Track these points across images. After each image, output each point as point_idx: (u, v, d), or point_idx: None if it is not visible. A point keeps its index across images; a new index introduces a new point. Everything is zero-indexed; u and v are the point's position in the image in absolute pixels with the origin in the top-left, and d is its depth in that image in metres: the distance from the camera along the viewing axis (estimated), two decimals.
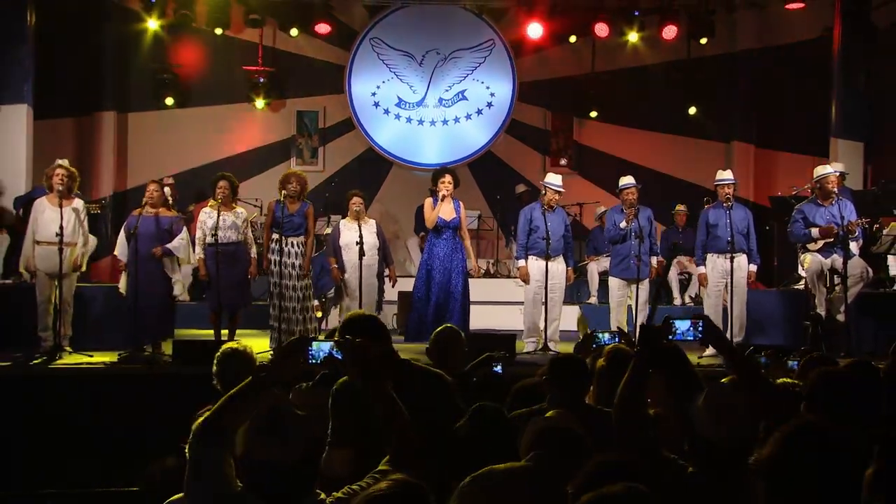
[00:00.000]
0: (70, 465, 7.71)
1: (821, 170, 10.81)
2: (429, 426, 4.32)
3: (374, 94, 17.15)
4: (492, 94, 17.28)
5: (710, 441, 3.57)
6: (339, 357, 3.37)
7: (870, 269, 10.87)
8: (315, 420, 2.90)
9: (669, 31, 15.91)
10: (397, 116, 17.21)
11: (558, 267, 10.79)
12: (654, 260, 11.22)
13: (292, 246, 10.48)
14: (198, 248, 10.30)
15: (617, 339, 5.59)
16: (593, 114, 16.86)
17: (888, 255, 11.64)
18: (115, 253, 10.49)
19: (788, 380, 4.76)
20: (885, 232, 11.19)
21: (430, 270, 10.68)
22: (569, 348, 8.04)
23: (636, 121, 17.06)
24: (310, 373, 4.48)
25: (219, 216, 10.19)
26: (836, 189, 10.61)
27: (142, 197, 10.30)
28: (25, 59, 13.29)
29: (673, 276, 14.32)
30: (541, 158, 17.16)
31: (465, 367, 6.10)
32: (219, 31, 15.84)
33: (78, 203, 10.09)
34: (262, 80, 16.34)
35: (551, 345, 10.50)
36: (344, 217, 11.26)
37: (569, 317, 12.15)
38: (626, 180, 11.18)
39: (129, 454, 6.86)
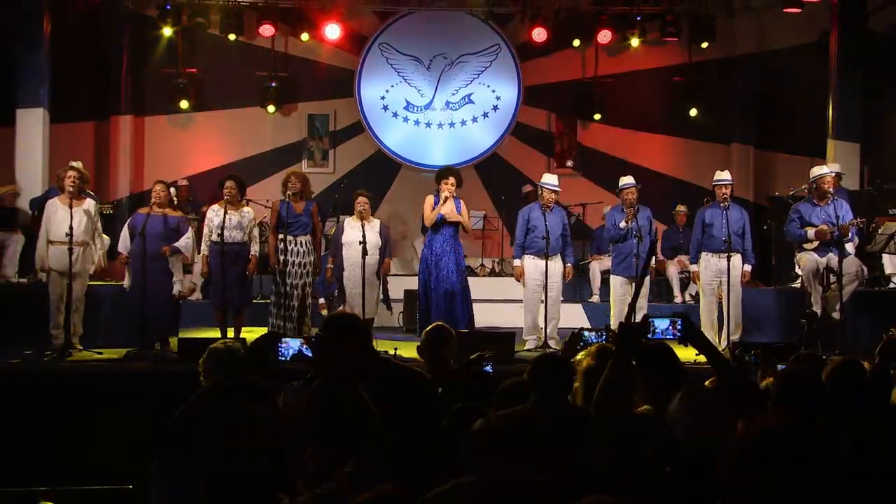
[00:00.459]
0: (74, 461, 7.60)
1: (817, 170, 10.71)
2: (408, 425, 4.21)
3: (383, 97, 17.06)
4: (498, 98, 17.17)
5: (687, 442, 3.43)
6: (309, 355, 3.23)
7: (865, 268, 10.77)
8: (277, 425, 2.72)
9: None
10: (405, 119, 17.11)
11: (557, 266, 10.70)
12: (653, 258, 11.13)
13: (299, 245, 10.35)
14: (202, 246, 10.22)
15: (604, 338, 5.42)
16: (597, 116, 16.73)
17: (883, 254, 11.48)
18: (119, 250, 10.41)
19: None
20: (879, 231, 11.03)
21: (430, 267, 10.56)
22: None
23: (638, 123, 16.94)
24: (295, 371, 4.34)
25: (225, 215, 10.10)
26: (831, 189, 10.54)
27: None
28: (41, 64, 13.27)
29: (673, 275, 14.23)
30: (545, 160, 17.04)
31: (456, 365, 5.95)
32: (232, 36, 15.75)
33: (89, 204, 10.05)
34: (274, 84, 16.26)
35: (551, 343, 10.39)
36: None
37: (569, 315, 12.05)
38: (626, 180, 11.08)
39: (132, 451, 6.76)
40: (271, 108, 16.33)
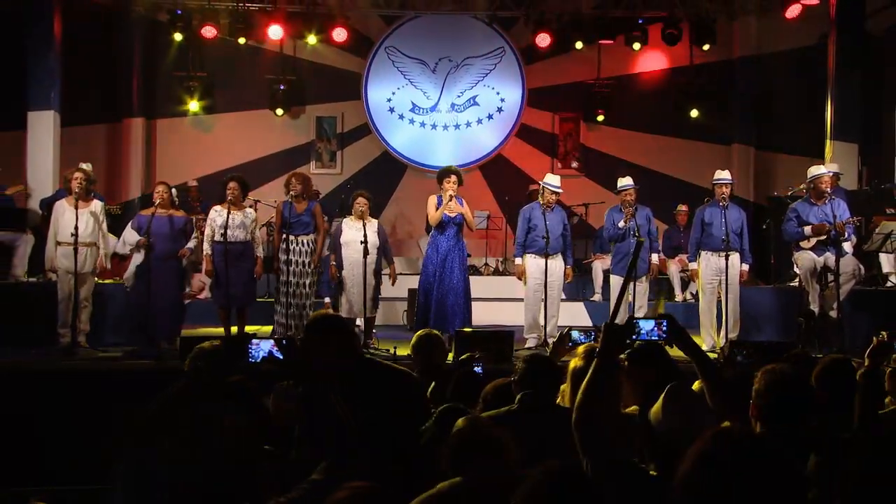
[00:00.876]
0: (75, 460, 7.48)
1: (815, 170, 10.56)
2: (395, 424, 4.08)
3: (389, 99, 17.00)
4: (502, 100, 17.09)
5: (669, 444, 3.28)
6: (280, 357, 3.07)
7: (862, 267, 10.62)
8: (244, 430, 2.54)
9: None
10: (411, 121, 17.05)
11: (557, 265, 10.56)
12: (654, 257, 11.09)
13: (302, 245, 10.27)
14: (206, 245, 10.13)
15: (592, 338, 5.25)
16: (600, 118, 16.64)
17: (880, 253, 11.32)
18: (117, 250, 10.32)
19: None
20: (876, 230, 10.87)
21: (433, 266, 10.43)
22: None
23: (640, 124, 16.83)
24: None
25: (228, 215, 10.03)
26: (829, 189, 10.42)
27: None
28: (51, 67, 13.21)
29: (674, 274, 14.14)
30: (549, 161, 16.93)
31: (446, 366, 5.85)
32: (242, 40, 15.67)
33: (96, 205, 9.96)
34: (282, 87, 16.22)
35: (550, 341, 10.19)
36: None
37: (572, 314, 11.88)
38: (625, 181, 10.98)
39: None
40: (280, 111, 16.31)
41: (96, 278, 10.36)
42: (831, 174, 10.90)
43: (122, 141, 16.11)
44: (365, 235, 9.93)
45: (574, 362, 4.60)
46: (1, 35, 13.55)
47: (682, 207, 14.66)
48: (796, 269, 10.90)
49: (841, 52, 13.68)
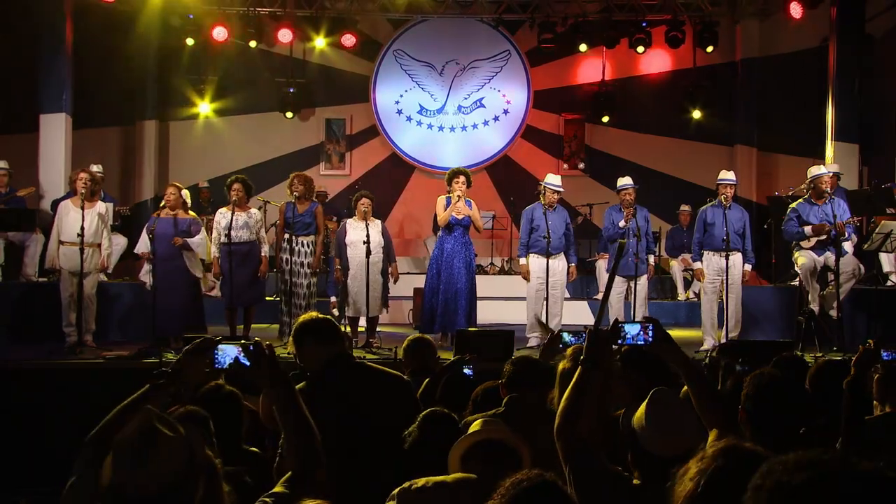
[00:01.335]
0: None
1: (815, 170, 10.40)
2: (383, 427, 3.96)
3: (397, 102, 16.90)
4: (508, 102, 16.97)
5: (652, 451, 3.10)
6: (247, 363, 2.87)
7: (862, 266, 10.45)
8: (195, 441, 2.33)
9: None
10: (419, 123, 16.94)
11: (559, 264, 10.43)
12: (651, 258, 10.94)
13: (302, 245, 10.21)
14: (213, 248, 10.04)
15: (583, 339, 5.06)
16: (604, 119, 16.50)
17: (880, 252, 11.12)
18: (136, 251, 10.21)
19: None
20: (876, 230, 10.66)
21: (440, 266, 10.30)
22: None
23: (644, 125, 16.69)
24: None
25: (232, 216, 9.94)
26: (829, 189, 10.30)
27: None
28: (63, 71, 13.10)
29: (677, 273, 14.01)
30: (554, 161, 16.80)
31: (438, 368, 5.73)
32: (253, 44, 15.57)
33: (101, 206, 9.86)
34: (292, 90, 16.13)
35: None
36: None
37: (576, 312, 11.72)
38: (625, 181, 10.83)
39: None
40: (290, 114, 16.21)
41: (106, 277, 10.26)
42: (831, 174, 10.79)
43: (135, 143, 16.06)
44: (368, 236, 9.82)
45: (562, 364, 4.42)
46: (14, 39, 13.51)
47: (685, 207, 14.55)
48: (796, 269, 10.72)
49: (841, 54, 13.58)
